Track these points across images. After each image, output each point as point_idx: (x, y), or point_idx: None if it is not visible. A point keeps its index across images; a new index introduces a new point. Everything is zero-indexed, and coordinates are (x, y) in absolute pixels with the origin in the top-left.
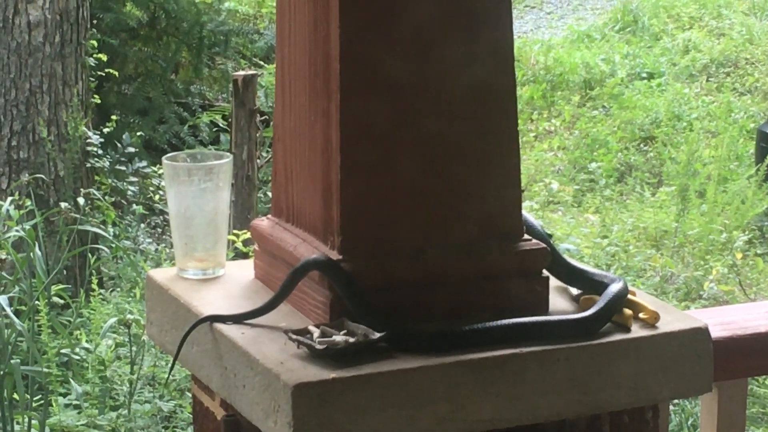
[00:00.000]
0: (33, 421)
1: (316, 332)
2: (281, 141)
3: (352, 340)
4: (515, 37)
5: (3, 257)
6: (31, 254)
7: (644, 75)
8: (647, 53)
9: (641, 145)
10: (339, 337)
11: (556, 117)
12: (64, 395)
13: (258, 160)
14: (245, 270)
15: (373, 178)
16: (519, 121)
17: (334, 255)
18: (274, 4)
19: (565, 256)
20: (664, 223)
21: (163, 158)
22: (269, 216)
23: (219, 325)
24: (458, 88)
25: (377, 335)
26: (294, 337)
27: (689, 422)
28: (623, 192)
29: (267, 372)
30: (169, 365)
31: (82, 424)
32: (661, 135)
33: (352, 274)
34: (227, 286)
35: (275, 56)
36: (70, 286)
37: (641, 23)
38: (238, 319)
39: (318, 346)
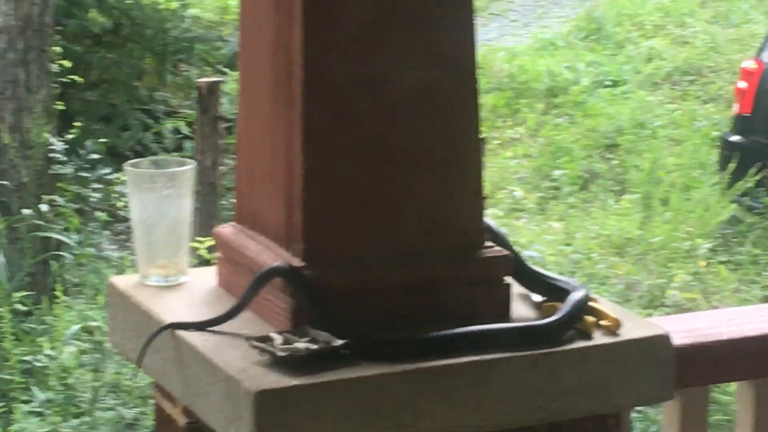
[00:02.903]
0: None
1: (278, 339)
2: (244, 148)
3: (314, 347)
4: (479, 44)
5: None
6: None
7: (608, 83)
8: (611, 61)
9: (605, 153)
10: (301, 344)
11: (521, 125)
12: (27, 402)
13: (222, 168)
14: (208, 277)
15: (335, 186)
16: (483, 129)
17: (297, 262)
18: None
19: (528, 263)
20: (627, 230)
21: (125, 165)
22: (232, 223)
23: (181, 333)
24: (418, 100)
25: (339, 342)
26: (256, 344)
27: (651, 430)
28: (587, 199)
29: (229, 379)
30: (133, 373)
31: None
32: (625, 143)
33: (314, 281)
34: (190, 293)
35: (238, 63)
36: (33, 293)
37: (605, 31)
38: (200, 326)
39: (280, 353)
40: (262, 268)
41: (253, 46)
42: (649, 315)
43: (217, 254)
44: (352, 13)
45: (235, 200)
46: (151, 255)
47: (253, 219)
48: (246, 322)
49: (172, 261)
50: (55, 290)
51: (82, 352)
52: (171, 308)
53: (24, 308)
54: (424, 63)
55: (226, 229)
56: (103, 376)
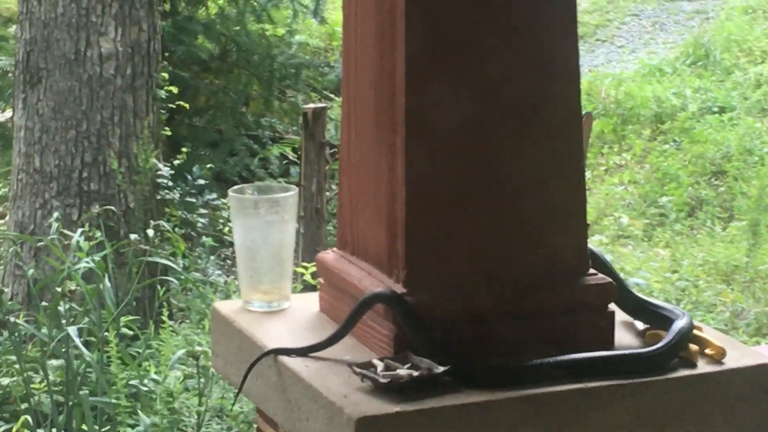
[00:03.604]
0: None
1: (380, 366)
2: (347, 174)
3: (415, 373)
4: (586, 70)
5: (73, 288)
6: (101, 286)
7: (716, 109)
8: (719, 87)
9: (712, 180)
10: (403, 371)
11: (627, 151)
12: (133, 426)
13: (327, 193)
14: (310, 303)
15: (438, 212)
16: (589, 155)
17: (399, 288)
18: None
19: (632, 290)
20: (734, 257)
21: (229, 191)
22: (335, 249)
23: (283, 358)
24: (522, 126)
25: (441, 369)
26: (358, 370)
27: None
28: (694, 226)
29: (330, 405)
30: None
31: None
32: (733, 169)
33: (417, 307)
34: (292, 318)
35: (341, 89)
36: (139, 317)
37: (713, 57)
38: (302, 352)
39: (382, 380)
40: (364, 294)
41: (356, 73)
42: (757, 343)
43: (320, 280)
44: (454, 38)
45: (337, 226)
46: (254, 280)
47: (355, 245)
48: (348, 348)
49: (275, 286)
50: (161, 315)
51: (188, 376)
52: (273, 334)
53: (130, 332)
54: (529, 80)
55: (329, 255)
56: (208, 400)
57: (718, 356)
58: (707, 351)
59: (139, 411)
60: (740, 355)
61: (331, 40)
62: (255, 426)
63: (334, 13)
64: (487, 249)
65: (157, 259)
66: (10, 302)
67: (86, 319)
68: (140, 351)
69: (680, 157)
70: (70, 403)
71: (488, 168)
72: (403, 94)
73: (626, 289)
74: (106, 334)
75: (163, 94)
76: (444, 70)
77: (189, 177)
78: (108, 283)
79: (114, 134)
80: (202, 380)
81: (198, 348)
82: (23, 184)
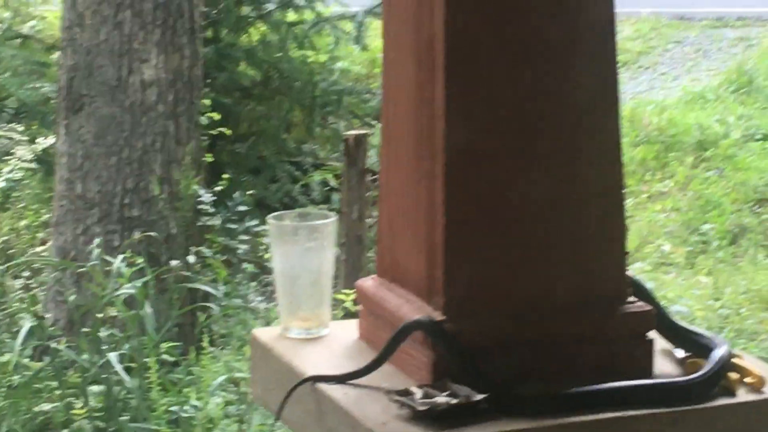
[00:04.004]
0: None
1: (418, 393)
2: (386, 201)
3: (454, 401)
4: (629, 97)
5: (114, 315)
6: (142, 312)
7: (759, 136)
8: (762, 114)
9: (755, 207)
10: (441, 398)
11: (670, 178)
12: None
13: (368, 220)
14: (349, 330)
15: (476, 239)
16: (632, 182)
17: (438, 315)
18: None
19: (672, 317)
20: None
21: (268, 217)
22: (374, 276)
23: (322, 385)
24: (559, 151)
25: (480, 397)
26: (396, 397)
27: None
28: (736, 254)
29: None
30: (279, 424)
31: None
32: None
33: (456, 335)
34: (331, 345)
35: (381, 116)
36: (180, 343)
37: (756, 84)
38: (340, 379)
39: (420, 407)
40: (402, 321)
41: (395, 100)
42: None
43: (359, 307)
44: (492, 67)
45: (376, 253)
46: (293, 307)
47: (394, 272)
48: (386, 376)
49: (314, 313)
50: (202, 341)
51: (228, 403)
52: (312, 361)
53: (171, 359)
54: (566, 105)
55: (368, 282)
56: (249, 427)
57: (759, 385)
58: (747, 380)
59: None
60: None
61: (373, 66)
62: None
63: (376, 40)
64: (525, 275)
65: (198, 286)
66: (51, 328)
67: (127, 345)
68: (181, 377)
69: (723, 185)
70: (111, 429)
71: (526, 194)
72: (442, 121)
73: (666, 317)
74: (146, 360)
75: (204, 120)
76: (483, 97)
77: (230, 203)
78: (149, 309)
79: (156, 161)
80: (243, 407)
81: (238, 374)
82: (65, 210)
